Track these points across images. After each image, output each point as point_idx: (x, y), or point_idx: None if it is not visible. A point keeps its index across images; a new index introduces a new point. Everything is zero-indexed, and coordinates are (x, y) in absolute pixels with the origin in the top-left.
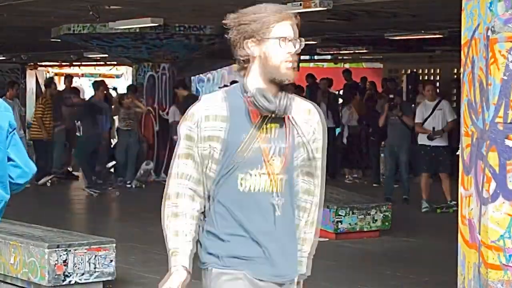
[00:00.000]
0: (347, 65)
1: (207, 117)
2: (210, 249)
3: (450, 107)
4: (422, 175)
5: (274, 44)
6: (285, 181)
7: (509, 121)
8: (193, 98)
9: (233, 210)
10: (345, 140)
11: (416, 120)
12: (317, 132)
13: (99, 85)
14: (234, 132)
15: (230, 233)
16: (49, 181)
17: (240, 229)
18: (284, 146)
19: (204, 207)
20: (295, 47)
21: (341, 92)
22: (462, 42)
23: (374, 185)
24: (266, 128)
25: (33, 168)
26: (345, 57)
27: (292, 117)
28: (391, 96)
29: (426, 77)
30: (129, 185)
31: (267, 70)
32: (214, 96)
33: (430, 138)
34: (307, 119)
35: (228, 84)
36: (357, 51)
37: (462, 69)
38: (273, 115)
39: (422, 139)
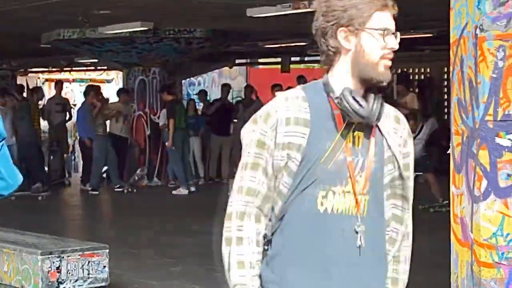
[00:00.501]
0: None
1: (288, 120)
2: (271, 285)
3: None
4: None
5: (373, 36)
6: (371, 202)
7: (499, 119)
8: (178, 103)
9: (307, 235)
10: None
11: None
12: (408, 145)
13: (89, 90)
14: (317, 140)
15: (300, 263)
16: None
17: (313, 260)
18: (372, 160)
19: (266, 229)
20: (396, 42)
21: None
22: (451, 41)
23: None
24: (353, 137)
25: (18, 180)
26: None
27: (380, 126)
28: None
29: (416, 76)
30: (119, 189)
31: (361, 67)
32: (293, 94)
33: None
34: (396, 129)
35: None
36: None
37: (451, 68)
38: (361, 122)
39: None
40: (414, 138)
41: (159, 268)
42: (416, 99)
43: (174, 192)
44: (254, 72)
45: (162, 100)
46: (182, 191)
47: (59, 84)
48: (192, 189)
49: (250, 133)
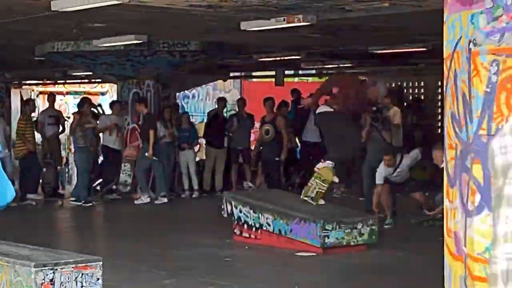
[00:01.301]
0: None
1: None
2: None
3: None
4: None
5: None
6: None
7: (492, 133)
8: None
9: None
10: None
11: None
12: None
13: (83, 102)
14: None
15: None
16: (34, 202)
17: None
18: None
19: None
20: None
21: None
22: (444, 55)
23: (360, 199)
24: None
25: (10, 195)
26: (329, 71)
27: None
28: (374, 108)
29: (410, 90)
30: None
31: None
32: None
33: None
34: None
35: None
36: (341, 65)
37: (444, 82)
38: None
39: None
40: (393, 171)
41: (152, 281)
42: (399, 114)
43: (136, 202)
44: (248, 85)
45: (138, 111)
46: (144, 199)
47: (51, 96)
48: (164, 200)
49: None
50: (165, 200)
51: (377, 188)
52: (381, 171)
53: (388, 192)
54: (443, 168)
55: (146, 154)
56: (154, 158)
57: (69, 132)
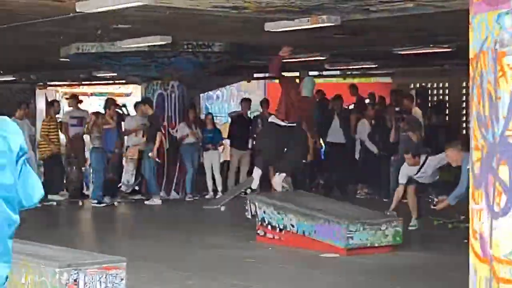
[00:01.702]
0: (355, 80)
1: None
2: None
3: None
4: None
5: None
6: None
7: None
8: (156, 118)
9: None
10: (357, 156)
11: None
12: None
13: (110, 104)
14: None
15: None
16: (55, 202)
17: None
18: None
19: None
20: None
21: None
22: (470, 56)
23: (385, 200)
24: None
25: (38, 196)
26: (354, 72)
27: None
28: (398, 109)
29: (435, 91)
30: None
31: None
32: None
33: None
34: None
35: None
36: (366, 66)
37: (470, 83)
38: None
39: None
40: (417, 172)
41: (175, 282)
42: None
43: (146, 202)
44: (273, 86)
45: (143, 112)
46: (156, 201)
47: (74, 97)
48: (158, 202)
49: None
50: (159, 202)
51: (399, 187)
52: (404, 171)
53: (415, 194)
54: (458, 167)
55: (150, 154)
56: (157, 160)
57: (85, 132)
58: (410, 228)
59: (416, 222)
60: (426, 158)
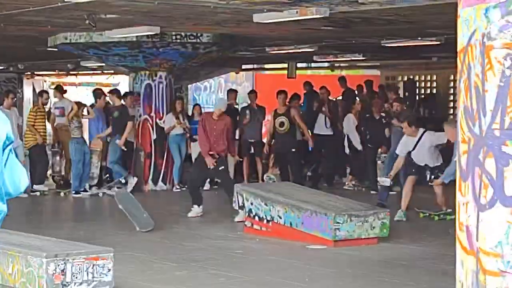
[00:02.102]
0: (343, 73)
1: None
2: None
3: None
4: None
5: None
6: None
7: (506, 127)
8: (125, 109)
9: None
10: (347, 150)
11: (400, 154)
12: None
13: (100, 94)
14: None
15: None
16: (39, 192)
17: None
18: None
19: None
20: None
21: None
22: (458, 49)
23: (372, 192)
24: None
25: (24, 185)
26: (342, 64)
27: None
28: (386, 104)
29: (423, 84)
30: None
31: None
32: None
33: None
34: None
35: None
36: (354, 58)
37: (458, 76)
38: None
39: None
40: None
41: (163, 272)
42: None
43: (127, 188)
44: (261, 77)
45: (111, 102)
46: (131, 180)
47: (59, 88)
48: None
49: None
50: (135, 179)
51: (398, 159)
52: (402, 143)
53: (413, 186)
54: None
55: (117, 141)
56: (123, 148)
57: (66, 122)
58: (396, 219)
59: (403, 214)
60: (424, 133)
